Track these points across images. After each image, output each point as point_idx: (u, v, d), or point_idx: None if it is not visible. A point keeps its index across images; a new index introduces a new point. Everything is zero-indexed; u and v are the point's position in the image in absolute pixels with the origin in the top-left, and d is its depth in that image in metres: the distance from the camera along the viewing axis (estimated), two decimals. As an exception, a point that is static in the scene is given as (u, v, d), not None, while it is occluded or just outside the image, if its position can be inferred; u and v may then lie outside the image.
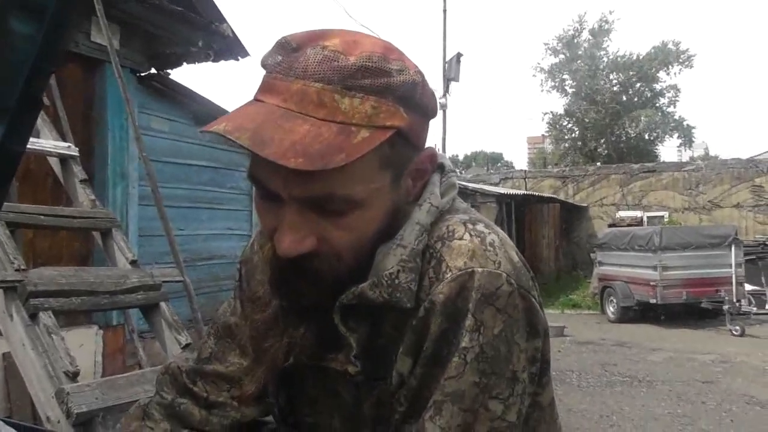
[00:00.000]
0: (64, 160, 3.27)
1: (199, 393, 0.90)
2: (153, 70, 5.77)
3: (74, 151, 3.29)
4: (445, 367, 0.70)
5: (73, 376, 2.48)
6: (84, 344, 4.93)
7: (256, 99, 0.71)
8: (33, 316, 2.52)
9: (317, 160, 0.63)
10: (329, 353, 0.78)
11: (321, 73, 0.67)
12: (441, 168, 0.83)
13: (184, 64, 5.95)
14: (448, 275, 0.71)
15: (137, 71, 5.51)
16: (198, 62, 5.94)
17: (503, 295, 0.71)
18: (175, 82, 6.04)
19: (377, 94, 0.68)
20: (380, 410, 0.77)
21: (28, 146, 2.62)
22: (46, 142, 3.18)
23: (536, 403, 0.80)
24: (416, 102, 0.72)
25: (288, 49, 0.70)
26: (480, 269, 0.71)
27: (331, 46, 0.69)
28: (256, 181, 0.72)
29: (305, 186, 0.67)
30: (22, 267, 2.57)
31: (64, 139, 3.36)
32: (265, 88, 0.70)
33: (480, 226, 0.77)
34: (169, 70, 5.98)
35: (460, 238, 0.74)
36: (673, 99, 28.16)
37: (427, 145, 0.81)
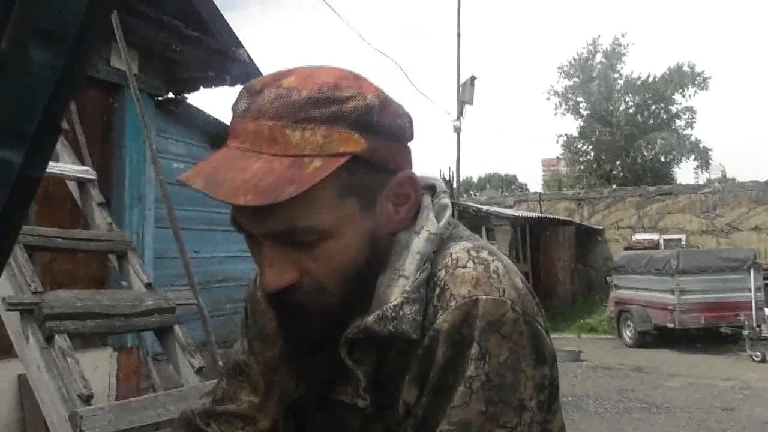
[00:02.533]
0: (82, 183, 3.32)
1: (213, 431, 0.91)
2: (170, 95, 5.86)
3: (92, 174, 3.34)
4: (451, 396, 0.70)
5: (87, 399, 2.48)
6: (98, 366, 4.95)
7: (227, 145, 0.73)
8: (49, 339, 2.53)
9: (267, 194, 0.64)
10: (337, 386, 0.78)
11: (273, 110, 0.69)
12: (432, 189, 0.83)
13: (201, 88, 6.04)
14: (453, 303, 0.71)
15: (155, 95, 5.60)
16: (215, 86, 6.02)
17: (508, 323, 0.71)
18: (192, 106, 6.12)
19: (328, 123, 0.69)
20: None
21: (47, 170, 2.66)
22: (64, 165, 3.23)
23: (546, 431, 0.78)
24: (375, 125, 0.71)
25: (252, 93, 0.72)
26: (484, 297, 0.71)
27: (286, 84, 0.70)
28: (235, 224, 0.74)
29: (267, 222, 0.69)
30: (39, 290, 2.60)
31: (83, 163, 3.41)
32: (231, 132, 0.73)
33: (484, 254, 0.76)
34: (186, 95, 6.06)
35: (464, 266, 0.74)
36: (689, 121, 28.05)
37: (423, 168, 0.83)
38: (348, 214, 0.72)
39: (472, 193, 27.41)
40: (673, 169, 28.59)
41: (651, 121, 27.75)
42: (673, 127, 27.89)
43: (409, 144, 0.79)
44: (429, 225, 0.77)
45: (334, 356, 0.75)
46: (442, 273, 0.74)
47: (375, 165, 0.72)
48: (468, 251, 0.76)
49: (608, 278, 12.98)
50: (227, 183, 0.66)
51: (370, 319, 0.72)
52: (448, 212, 0.81)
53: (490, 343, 0.69)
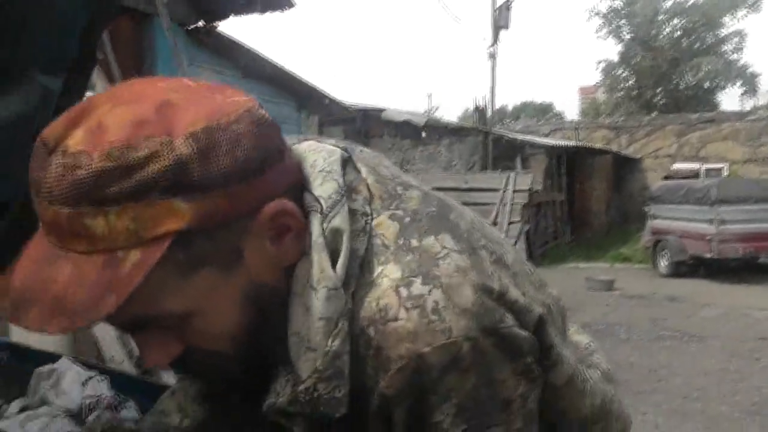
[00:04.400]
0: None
1: None
2: (200, 23, 5.81)
3: (128, 104, 3.37)
4: None
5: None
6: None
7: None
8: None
9: (82, 314, 0.53)
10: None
11: (63, 192, 0.54)
12: (314, 207, 0.65)
13: (231, 15, 5.96)
14: (393, 366, 0.61)
15: (185, 24, 5.56)
16: (245, 14, 5.93)
17: (465, 355, 0.62)
18: (223, 35, 6.07)
19: (131, 199, 0.53)
20: None
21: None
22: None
23: (547, 383, 0.73)
24: (198, 179, 0.55)
25: (43, 154, 0.56)
26: (427, 348, 0.61)
27: (72, 146, 0.54)
28: None
29: (113, 319, 0.58)
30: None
31: (119, 93, 3.44)
32: (40, 214, 0.57)
33: (417, 287, 0.62)
34: (216, 23, 6.00)
35: (395, 319, 0.61)
36: (738, 45, 26.72)
37: (315, 166, 0.67)
38: (204, 288, 0.60)
39: (506, 122, 26.86)
40: (717, 97, 27.50)
41: (697, 45, 26.52)
42: (720, 51, 26.64)
43: (274, 152, 0.62)
44: (324, 278, 0.63)
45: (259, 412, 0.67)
46: (371, 330, 0.62)
47: (218, 224, 0.58)
48: (396, 290, 0.63)
49: (645, 208, 12.80)
50: (34, 304, 0.54)
51: (283, 400, 0.64)
52: (345, 239, 0.64)
53: (449, 384, 0.62)
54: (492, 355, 0.63)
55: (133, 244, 0.54)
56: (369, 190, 0.70)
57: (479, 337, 0.62)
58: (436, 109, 26.98)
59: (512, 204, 11.97)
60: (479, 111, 15.57)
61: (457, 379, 0.62)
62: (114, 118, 0.55)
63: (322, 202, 0.65)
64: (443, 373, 0.61)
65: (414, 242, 0.66)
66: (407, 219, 0.68)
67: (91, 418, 0.92)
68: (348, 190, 0.68)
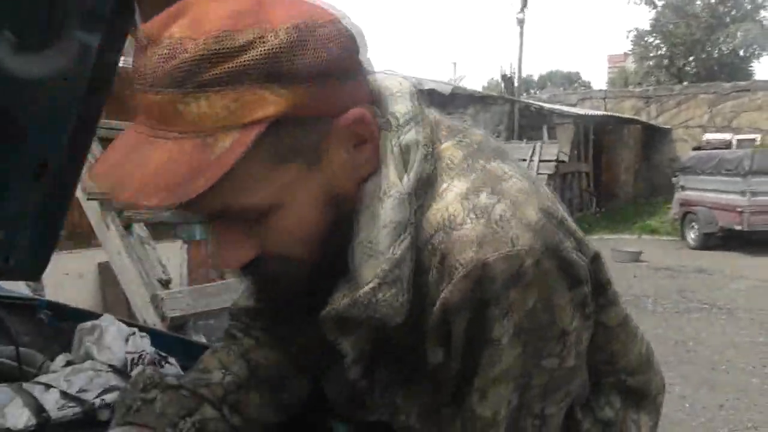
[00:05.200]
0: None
1: (262, 326, 0.91)
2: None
3: (157, 69, 3.37)
4: (479, 358, 0.65)
5: (166, 284, 2.65)
6: (170, 258, 5.23)
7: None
8: (127, 227, 2.68)
9: (175, 192, 0.55)
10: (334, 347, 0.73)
11: (164, 77, 0.56)
12: (391, 120, 0.68)
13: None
14: (457, 273, 0.62)
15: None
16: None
17: (527, 271, 0.62)
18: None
19: (230, 85, 0.55)
20: (426, 374, 0.73)
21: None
22: (129, 59, 3.26)
23: (600, 323, 0.74)
24: (293, 72, 0.57)
25: (141, 46, 0.59)
26: (492, 256, 0.61)
27: (174, 34, 0.57)
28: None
29: (198, 207, 0.61)
30: (116, 180, 2.71)
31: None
32: (134, 105, 0.61)
33: (483, 198, 0.64)
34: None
35: (462, 225, 0.63)
36: (775, 11, 25.82)
37: (390, 90, 0.69)
38: (288, 182, 0.61)
39: (532, 92, 26.43)
40: (752, 65, 26.70)
41: (733, 12, 25.66)
42: (757, 18, 25.76)
43: (354, 64, 0.64)
44: (392, 187, 0.65)
45: (316, 323, 0.70)
46: (437, 238, 0.64)
47: (307, 117, 0.60)
48: (462, 201, 0.65)
49: (674, 179, 12.57)
50: (132, 182, 0.57)
51: (345, 302, 0.65)
52: (418, 153, 0.67)
53: (510, 299, 0.62)
54: (553, 277, 0.64)
55: (227, 129, 0.56)
56: (434, 121, 0.73)
57: (542, 255, 0.63)
58: (462, 78, 26.64)
59: (538, 174, 11.84)
60: (506, 79, 15.32)
61: (519, 295, 0.62)
62: (213, 11, 0.58)
63: (397, 117, 0.68)
64: (506, 285, 0.62)
65: (479, 164, 0.68)
66: (473, 147, 0.71)
67: (134, 372, 0.93)
68: (417, 115, 0.70)
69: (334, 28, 0.61)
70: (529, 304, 0.63)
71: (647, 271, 8.90)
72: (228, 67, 0.55)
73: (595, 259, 0.72)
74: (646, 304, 6.91)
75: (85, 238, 4.42)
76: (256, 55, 0.56)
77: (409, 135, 0.68)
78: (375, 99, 0.69)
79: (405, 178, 0.65)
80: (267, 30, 0.57)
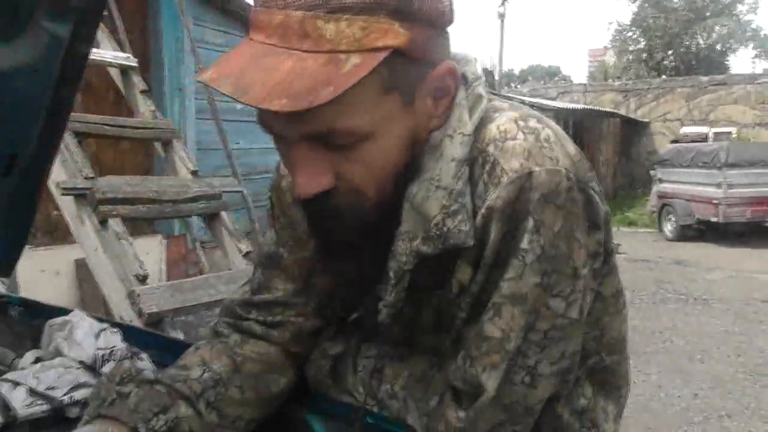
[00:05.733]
0: (124, 71, 3.32)
1: (256, 318, 0.91)
2: (205, -20, 5.69)
3: (133, 61, 3.33)
4: (504, 270, 0.70)
5: (143, 279, 2.62)
6: (149, 253, 5.17)
7: (249, 38, 0.66)
8: (103, 222, 2.64)
9: (302, 98, 0.59)
10: (375, 284, 0.78)
11: None
12: (464, 78, 0.76)
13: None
14: (505, 179, 0.69)
15: (190, -19, 5.44)
16: (250, -29, 5.81)
17: (563, 192, 0.69)
18: (228, -8, 5.95)
19: (365, 12, 0.62)
20: (440, 318, 0.78)
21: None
22: (106, 52, 3.22)
23: (598, 294, 0.79)
24: (415, 12, 0.64)
25: None
26: (538, 168, 0.68)
27: None
28: (263, 125, 0.69)
29: (303, 124, 0.64)
30: (91, 175, 2.68)
31: (123, 50, 3.39)
32: (253, 24, 0.66)
33: (532, 122, 0.73)
34: (221, -20, 5.87)
35: (514, 138, 0.71)
36: (752, 6, 26.21)
37: (459, 55, 0.76)
38: (388, 113, 0.67)
39: (513, 86, 26.54)
40: (728, 59, 27.07)
41: (711, 7, 25.97)
42: (734, 12, 26.11)
43: (448, 29, 0.72)
44: (461, 126, 0.72)
45: (367, 264, 0.75)
46: (490, 148, 0.71)
47: (415, 57, 0.67)
48: (515, 121, 0.73)
49: (652, 172, 12.71)
50: (257, 85, 0.60)
51: (418, 242, 0.71)
52: (483, 103, 0.76)
53: (545, 215, 0.68)
54: (579, 210, 0.70)
55: (355, 50, 0.62)
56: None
57: (575, 183, 0.70)
58: (443, 71, 26.62)
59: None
60: (487, 73, 15.36)
61: (551, 214, 0.68)
62: None
63: (467, 76, 0.76)
64: (544, 200, 0.68)
65: (526, 109, 0.78)
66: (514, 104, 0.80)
67: (105, 369, 0.92)
68: (481, 77, 0.78)
69: None
70: (556, 227, 0.69)
71: (625, 263, 9.00)
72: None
73: (607, 223, 0.76)
74: (624, 296, 6.99)
75: (62, 234, 4.36)
76: None
77: (477, 89, 0.76)
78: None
79: (470, 121, 0.73)
80: None
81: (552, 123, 0.76)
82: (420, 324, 0.80)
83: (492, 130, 0.73)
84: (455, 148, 0.71)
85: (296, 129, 0.65)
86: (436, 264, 0.74)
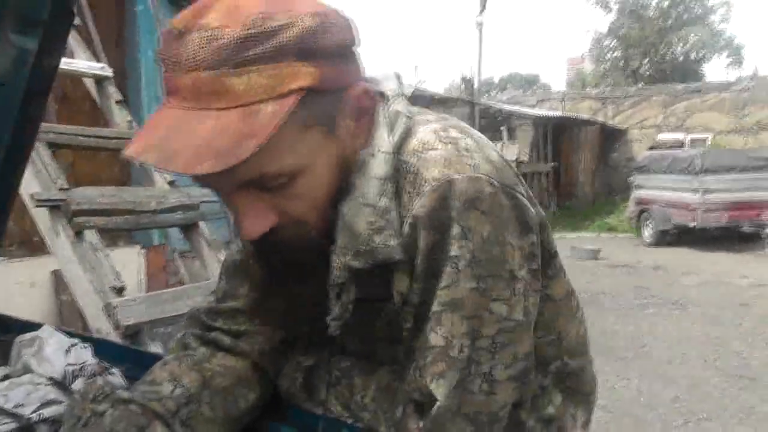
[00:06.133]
0: (99, 81, 3.29)
1: (221, 326, 0.91)
2: (183, -11, 5.67)
3: (108, 71, 3.30)
4: (439, 279, 0.71)
5: (120, 291, 2.59)
6: (127, 264, 5.11)
7: (167, 102, 0.68)
8: (78, 234, 2.61)
9: (228, 156, 0.61)
10: (325, 300, 0.79)
11: (206, 58, 0.63)
12: (383, 95, 0.79)
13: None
14: (426, 188, 0.70)
15: (167, -10, 5.42)
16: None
17: (486, 198, 0.70)
18: (206, 1, 5.93)
19: (271, 61, 0.64)
20: (392, 329, 0.79)
21: (63, 66, 2.62)
22: (80, 62, 3.19)
23: (547, 296, 0.80)
24: (318, 50, 0.67)
25: (173, 36, 0.65)
26: (458, 176, 0.70)
27: (211, 23, 0.64)
28: (197, 182, 0.71)
29: (234, 177, 0.66)
30: (65, 186, 2.64)
31: (98, 60, 3.37)
32: (167, 89, 0.67)
33: (453, 132, 0.75)
34: (198, -11, 5.86)
35: (434, 148, 0.73)
36: (725, 16, 26.69)
37: (378, 76, 0.80)
38: (313, 146, 0.70)
39: (492, 94, 26.74)
40: (703, 68, 27.52)
41: (685, 16, 26.42)
42: (707, 21, 26.58)
43: (357, 47, 0.74)
44: (381, 144, 0.74)
45: (311, 283, 0.77)
46: (413, 159, 0.73)
47: (328, 89, 0.69)
48: (435, 132, 0.75)
49: (630, 178, 12.87)
50: (181, 152, 0.62)
51: (349, 258, 0.73)
52: (403, 120, 0.77)
53: (470, 221, 0.69)
54: (507, 214, 0.71)
55: (268, 98, 0.64)
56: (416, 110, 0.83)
57: (499, 188, 0.71)
58: (423, 81, 26.77)
59: (499, 175, 11.95)
60: (466, 81, 15.46)
61: (477, 220, 0.70)
62: (243, 2, 0.65)
63: (386, 93, 0.79)
64: (467, 206, 0.69)
65: (451, 120, 0.80)
66: (444, 118, 0.82)
67: (75, 385, 0.90)
68: (401, 93, 0.81)
69: (342, 17, 0.71)
70: (485, 232, 0.70)
71: (605, 268, 9.09)
72: (267, 46, 0.63)
73: (544, 227, 0.78)
74: (604, 301, 7.06)
75: (38, 245, 4.30)
76: (290, 36, 0.64)
77: (396, 105, 0.78)
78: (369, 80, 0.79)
79: (390, 139, 0.75)
80: (296, 15, 0.65)
81: (476, 133, 0.78)
82: (376, 335, 0.81)
83: (413, 142, 0.75)
84: (377, 167, 0.73)
85: (229, 182, 0.68)
86: (376, 276, 0.75)
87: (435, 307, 0.71)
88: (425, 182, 0.71)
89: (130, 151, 0.64)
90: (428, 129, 0.76)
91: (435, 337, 0.71)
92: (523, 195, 0.75)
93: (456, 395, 0.71)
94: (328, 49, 0.68)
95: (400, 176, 0.73)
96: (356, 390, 0.81)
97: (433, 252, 0.70)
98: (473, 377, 0.71)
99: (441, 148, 0.73)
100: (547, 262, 0.79)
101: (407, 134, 0.76)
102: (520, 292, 0.72)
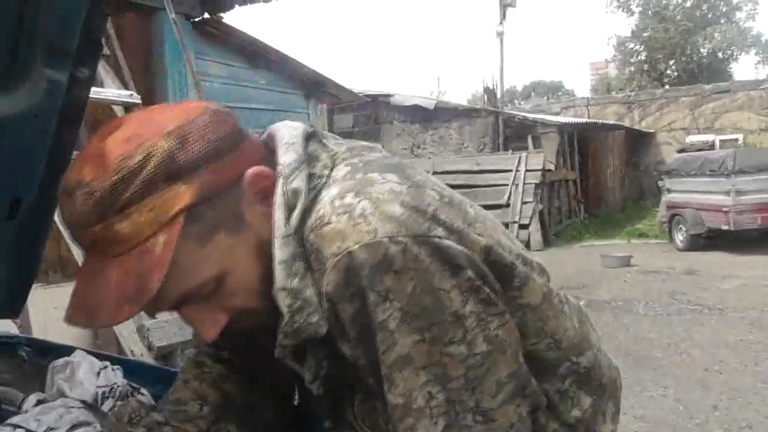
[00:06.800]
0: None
1: (235, 344, 0.94)
2: (206, 15, 5.80)
3: (137, 98, 3.39)
4: (375, 345, 0.70)
5: (152, 313, 2.63)
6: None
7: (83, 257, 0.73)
8: (111, 258, 2.67)
9: (139, 297, 0.65)
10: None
11: (91, 213, 0.66)
12: (281, 173, 0.76)
13: (236, 6, 5.94)
14: (328, 264, 0.69)
15: (191, 17, 5.55)
16: (249, 3, 5.91)
17: (395, 258, 0.67)
18: (229, 25, 6.05)
19: (143, 197, 0.66)
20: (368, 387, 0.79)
21: (93, 95, 2.70)
22: (109, 91, 3.28)
23: (524, 305, 0.78)
24: (185, 166, 0.68)
25: (66, 196, 0.69)
26: (355, 246, 0.68)
27: (86, 177, 0.67)
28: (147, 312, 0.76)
29: (163, 303, 0.70)
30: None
31: (127, 88, 3.46)
32: (80, 245, 0.72)
33: (348, 198, 0.71)
34: (221, 14, 5.99)
35: (328, 223, 0.71)
36: (751, 12, 26.25)
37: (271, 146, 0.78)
38: (225, 249, 0.71)
39: (516, 102, 26.63)
40: (731, 66, 27.07)
41: (710, 15, 26.04)
42: (733, 19, 26.16)
43: (236, 133, 0.74)
44: (278, 228, 0.73)
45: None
46: (311, 236, 0.72)
47: (215, 195, 0.70)
48: (332, 202, 0.72)
49: (660, 182, 12.66)
50: (101, 306, 0.67)
51: (280, 338, 0.76)
52: (302, 196, 0.74)
53: (384, 284, 0.67)
54: (428, 263, 0.68)
55: (156, 231, 0.66)
56: (333, 157, 0.80)
57: (408, 242, 0.68)
58: (445, 93, 26.81)
59: (525, 184, 11.89)
60: (488, 91, 15.44)
61: (394, 280, 0.67)
62: (108, 145, 0.68)
63: (285, 168, 0.75)
64: (375, 272, 0.67)
65: (358, 175, 0.75)
66: (360, 164, 0.78)
67: (105, 406, 0.93)
68: (309, 158, 0.78)
69: (208, 112, 0.72)
70: (408, 289, 0.68)
71: (637, 275, 8.94)
72: (136, 185, 0.66)
73: (488, 250, 0.74)
74: (638, 308, 6.94)
75: (73, 271, 4.40)
76: (152, 167, 0.66)
77: (295, 183, 0.75)
78: (272, 150, 0.78)
79: (291, 219, 0.73)
80: (151, 145, 0.67)
81: (387, 185, 0.73)
82: (369, 389, 0.79)
83: (313, 218, 0.73)
84: (278, 252, 0.73)
85: (165, 306, 0.72)
86: (318, 345, 0.77)
87: (384, 371, 0.71)
88: (326, 259, 0.69)
89: (66, 319, 0.70)
90: (328, 197, 0.73)
91: (393, 398, 0.71)
92: (440, 235, 0.70)
93: None
94: (197, 160, 0.68)
95: (307, 254, 0.73)
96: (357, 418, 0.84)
97: (359, 319, 0.70)
98: (464, 414, 0.70)
99: (335, 221, 0.70)
100: (505, 277, 0.76)
101: (309, 208, 0.74)
102: (472, 326, 0.70)
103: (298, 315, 0.73)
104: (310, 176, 0.76)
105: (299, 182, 0.75)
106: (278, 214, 0.74)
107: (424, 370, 0.69)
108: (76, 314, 0.69)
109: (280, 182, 0.75)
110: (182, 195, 0.67)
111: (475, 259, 0.72)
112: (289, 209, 0.74)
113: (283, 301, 0.73)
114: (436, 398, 0.70)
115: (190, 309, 0.73)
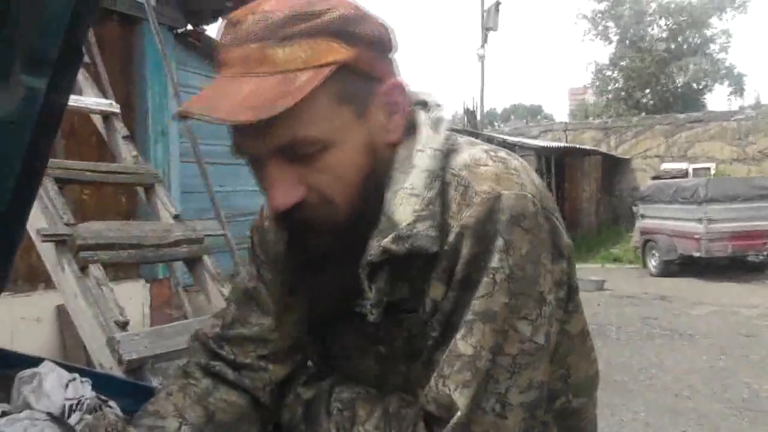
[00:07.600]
0: (106, 117, 3.34)
1: (227, 356, 0.92)
2: (189, 27, 5.79)
3: (116, 107, 3.36)
4: (476, 288, 0.72)
5: (123, 326, 2.59)
6: (132, 297, 5.12)
7: (218, 75, 0.75)
8: (83, 269, 2.62)
9: (263, 109, 0.67)
10: (352, 299, 0.80)
11: (256, 33, 0.71)
12: (424, 104, 0.84)
13: (220, 19, 5.94)
14: (477, 199, 0.74)
15: (174, 28, 5.53)
16: (233, 17, 5.91)
17: (530, 216, 0.73)
18: (212, 38, 6.05)
19: (309, 36, 0.71)
20: (413, 344, 0.79)
21: (71, 104, 2.68)
22: (88, 99, 3.24)
23: (564, 331, 0.81)
24: (355, 34, 0.73)
25: (235, 23, 0.74)
26: (506, 192, 0.73)
27: (265, 8, 0.73)
28: (238, 151, 0.76)
29: (268, 138, 0.72)
30: (71, 221, 2.67)
31: (106, 97, 3.42)
32: (219, 63, 0.75)
33: (502, 153, 0.80)
34: (204, 26, 5.98)
35: (485, 165, 0.77)
36: (724, 45, 26.97)
37: (421, 91, 0.84)
38: (344, 122, 0.74)
39: (496, 124, 26.92)
40: (705, 97, 27.72)
41: (685, 46, 26.70)
42: (707, 52, 26.85)
43: (393, 55, 0.80)
44: (431, 141, 0.79)
45: (345, 273, 0.77)
46: (463, 172, 0.77)
47: (362, 73, 0.75)
48: (486, 151, 0.80)
49: (634, 208, 12.86)
50: (223, 106, 0.68)
51: (388, 240, 0.74)
52: (444, 124, 0.82)
53: (513, 236, 0.72)
54: (544, 235, 0.75)
55: (305, 68, 0.70)
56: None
57: (540, 210, 0.75)
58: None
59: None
60: (469, 113, 15.60)
61: (519, 236, 0.73)
62: None
63: (428, 102, 0.84)
64: (511, 221, 0.73)
65: (496, 147, 0.83)
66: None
67: (72, 419, 0.91)
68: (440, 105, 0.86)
69: (380, 20, 0.79)
70: (524, 249, 0.73)
71: (611, 299, 9.03)
72: (308, 24, 0.71)
73: (571, 260, 0.81)
74: (610, 332, 7.00)
75: (43, 280, 4.31)
76: (330, 18, 0.72)
77: (439, 113, 0.83)
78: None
79: (438, 138, 0.80)
80: (336, 4, 0.74)
81: (519, 158, 0.82)
82: (393, 353, 0.82)
83: (465, 157, 0.78)
84: (427, 161, 0.77)
85: (264, 144, 0.72)
86: (413, 275, 0.77)
87: (468, 316, 0.72)
88: (476, 194, 0.74)
89: (179, 110, 0.71)
90: (480, 148, 0.81)
91: (464, 346, 0.72)
92: (559, 221, 0.79)
93: (472, 409, 0.71)
94: (364, 36, 0.74)
95: (451, 186, 0.76)
96: (358, 420, 0.81)
97: (475, 261, 0.73)
98: (488, 395, 0.72)
99: (492, 165, 0.77)
100: (569, 295, 0.81)
101: (456, 149, 0.80)
102: (545, 315, 0.74)
103: (421, 223, 0.75)
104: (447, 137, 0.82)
105: (442, 114, 0.83)
106: (426, 131, 0.80)
107: (495, 334, 0.72)
108: (192, 105, 0.71)
109: (423, 111, 0.82)
110: (340, 52, 0.72)
111: (571, 250, 0.79)
112: (435, 130, 0.80)
113: (410, 207, 0.75)
114: (485, 361, 0.72)
115: (281, 165, 0.74)
